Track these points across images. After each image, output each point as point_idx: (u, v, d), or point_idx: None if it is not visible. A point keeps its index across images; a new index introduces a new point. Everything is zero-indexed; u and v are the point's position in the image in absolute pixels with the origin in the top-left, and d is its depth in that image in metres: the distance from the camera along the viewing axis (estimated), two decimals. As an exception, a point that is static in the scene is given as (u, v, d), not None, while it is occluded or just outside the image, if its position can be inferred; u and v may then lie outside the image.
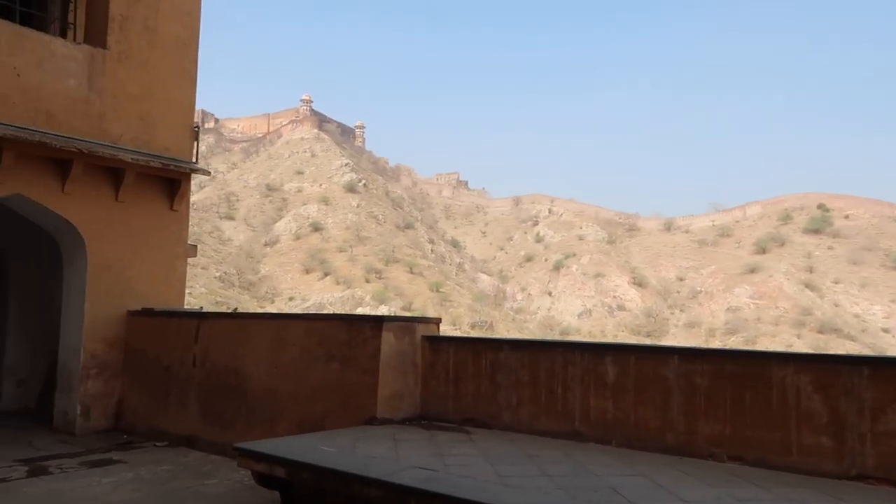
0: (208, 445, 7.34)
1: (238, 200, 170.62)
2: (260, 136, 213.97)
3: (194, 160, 9.48)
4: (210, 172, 9.46)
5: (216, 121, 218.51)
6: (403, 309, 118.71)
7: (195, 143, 9.54)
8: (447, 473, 3.92)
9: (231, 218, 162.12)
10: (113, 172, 8.70)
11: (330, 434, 5.36)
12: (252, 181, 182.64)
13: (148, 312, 8.62)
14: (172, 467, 6.73)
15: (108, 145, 8.48)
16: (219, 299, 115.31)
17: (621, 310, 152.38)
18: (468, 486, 3.58)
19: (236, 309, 27.19)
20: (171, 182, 9.26)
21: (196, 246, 9.73)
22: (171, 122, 9.31)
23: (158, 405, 8.14)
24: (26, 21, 8.67)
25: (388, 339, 5.99)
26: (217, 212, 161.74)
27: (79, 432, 8.29)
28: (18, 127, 7.73)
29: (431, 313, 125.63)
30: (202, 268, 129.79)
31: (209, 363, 7.58)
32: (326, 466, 4.07)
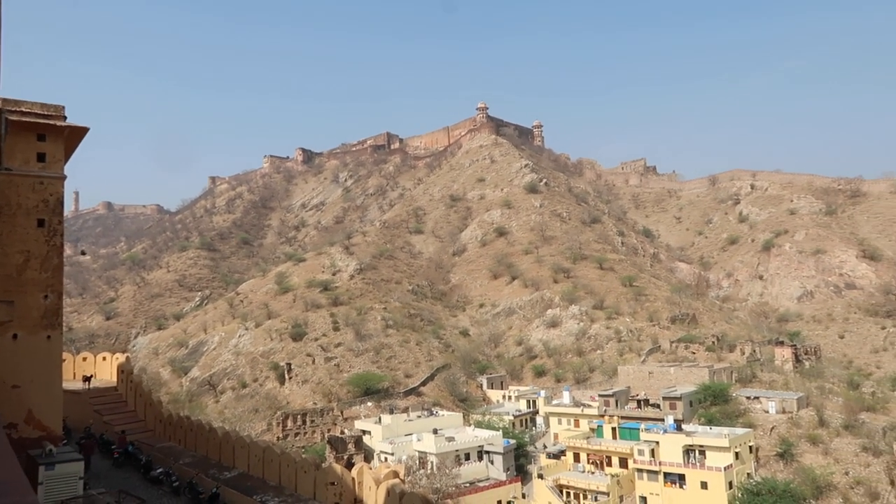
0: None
1: (425, 214, 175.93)
2: (441, 149, 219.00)
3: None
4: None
5: (401, 141, 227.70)
6: (595, 307, 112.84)
7: None
8: None
9: (420, 232, 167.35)
10: None
11: None
12: (437, 194, 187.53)
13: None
14: None
15: None
16: (412, 311, 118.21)
17: (851, 288, 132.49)
18: None
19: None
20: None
21: None
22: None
23: None
24: None
25: None
26: (407, 227, 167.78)
27: None
28: None
29: (625, 310, 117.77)
30: (396, 282, 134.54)
31: None
32: None
